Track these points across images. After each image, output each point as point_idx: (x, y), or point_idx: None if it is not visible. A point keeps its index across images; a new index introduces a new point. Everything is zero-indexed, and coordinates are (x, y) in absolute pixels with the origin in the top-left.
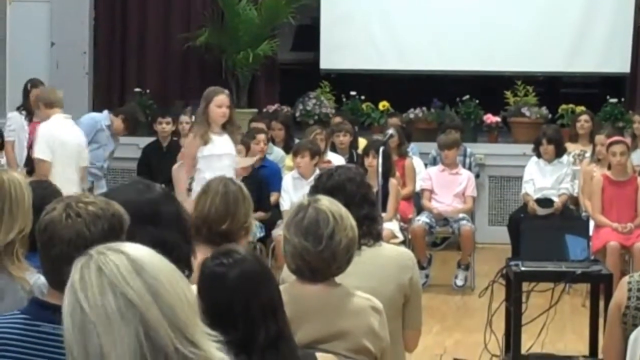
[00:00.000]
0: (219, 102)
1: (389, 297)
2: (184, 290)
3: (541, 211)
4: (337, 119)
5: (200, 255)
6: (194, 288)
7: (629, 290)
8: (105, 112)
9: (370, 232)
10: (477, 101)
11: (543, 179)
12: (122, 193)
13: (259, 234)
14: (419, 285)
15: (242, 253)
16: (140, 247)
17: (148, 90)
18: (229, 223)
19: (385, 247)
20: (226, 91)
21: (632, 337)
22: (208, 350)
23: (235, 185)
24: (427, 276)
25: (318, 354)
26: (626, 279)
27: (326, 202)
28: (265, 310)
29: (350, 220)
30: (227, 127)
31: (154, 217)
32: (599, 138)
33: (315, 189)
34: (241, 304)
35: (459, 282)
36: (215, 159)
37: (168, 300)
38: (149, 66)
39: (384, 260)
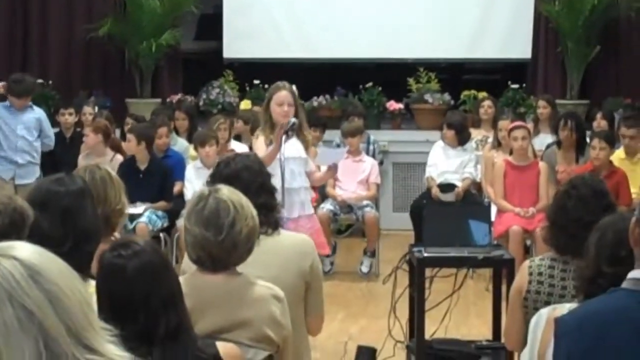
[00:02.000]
0: (280, 100)
1: (290, 285)
2: (81, 291)
3: (444, 197)
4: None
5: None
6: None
7: (530, 274)
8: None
9: (268, 221)
10: (380, 88)
11: (447, 161)
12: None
13: (163, 224)
14: (319, 270)
15: (141, 244)
16: (30, 248)
17: (51, 82)
18: (102, 207)
19: (283, 234)
20: (288, 86)
21: (533, 320)
22: (106, 354)
23: (101, 170)
24: (331, 263)
25: (218, 343)
26: (527, 263)
27: (226, 191)
28: (165, 302)
29: (250, 209)
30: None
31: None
32: (503, 123)
33: (213, 177)
34: (141, 296)
35: (364, 269)
36: (284, 163)
37: (66, 305)
38: (52, 57)
39: (284, 248)
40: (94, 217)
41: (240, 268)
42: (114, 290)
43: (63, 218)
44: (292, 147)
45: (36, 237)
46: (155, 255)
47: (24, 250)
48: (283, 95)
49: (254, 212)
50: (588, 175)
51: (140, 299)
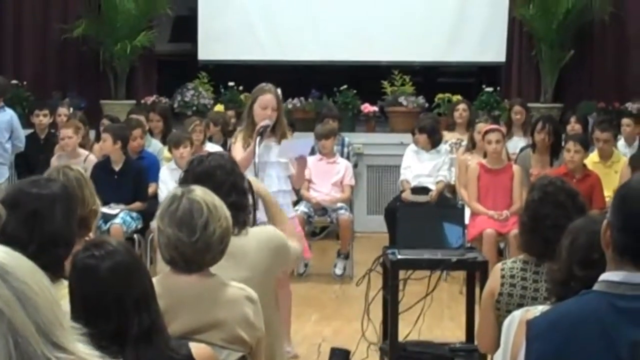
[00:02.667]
0: (264, 103)
1: (262, 285)
2: (50, 290)
3: (414, 198)
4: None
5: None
6: None
7: (502, 277)
8: None
9: (237, 221)
10: (355, 91)
11: (421, 165)
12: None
13: (137, 225)
14: (289, 258)
15: (114, 245)
16: None
17: (25, 82)
18: (79, 208)
19: (251, 232)
20: (273, 89)
21: (505, 322)
22: (76, 353)
23: (74, 171)
24: (306, 265)
25: (191, 344)
26: (499, 265)
27: (200, 192)
28: (138, 302)
29: (224, 210)
30: (276, 131)
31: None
32: (479, 126)
33: (186, 174)
34: (113, 296)
35: (338, 271)
36: (261, 166)
37: (35, 304)
38: (26, 58)
39: (253, 247)
40: (66, 221)
41: (213, 269)
42: (86, 290)
43: (30, 220)
44: (272, 151)
45: (2, 237)
46: (127, 255)
47: None
48: (268, 99)
49: (228, 213)
50: (557, 179)
51: (113, 299)
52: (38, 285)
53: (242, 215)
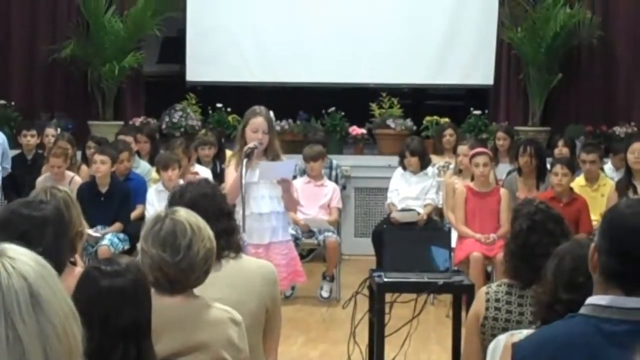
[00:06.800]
0: (255, 127)
1: (252, 309)
2: (75, 335)
3: (401, 217)
4: (202, 132)
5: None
6: None
7: (487, 300)
8: None
9: (230, 245)
10: (343, 113)
11: (408, 188)
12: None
13: (124, 246)
14: (279, 299)
15: (124, 267)
16: (36, 269)
17: (13, 102)
18: (69, 229)
19: (246, 259)
20: (264, 112)
21: (490, 347)
22: None
23: (61, 192)
24: (293, 288)
25: None
26: (484, 289)
27: (183, 213)
28: (125, 331)
29: (207, 230)
30: (268, 154)
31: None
32: (462, 149)
33: (171, 204)
34: (99, 316)
35: (324, 294)
36: (253, 187)
37: (55, 348)
38: (14, 78)
39: (247, 272)
40: (56, 244)
41: (201, 290)
42: (81, 299)
43: (18, 242)
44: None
45: None
46: (132, 283)
47: (32, 271)
48: (258, 122)
49: (211, 233)
50: (541, 204)
51: (98, 318)
52: (64, 328)
53: (234, 240)
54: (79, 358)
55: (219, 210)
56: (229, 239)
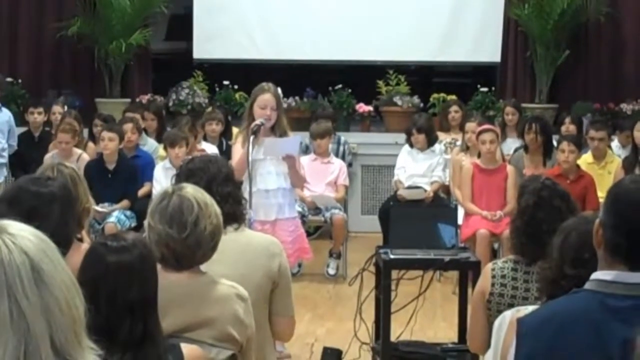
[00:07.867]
0: (263, 103)
1: (257, 284)
2: (78, 307)
3: (409, 194)
4: (209, 109)
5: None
6: None
7: (493, 277)
8: None
9: (234, 212)
10: (350, 90)
11: (415, 165)
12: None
13: (132, 224)
14: (287, 271)
15: (131, 242)
16: (37, 243)
17: (20, 80)
18: (76, 205)
19: (250, 233)
20: (272, 89)
21: (496, 323)
22: None
23: (68, 168)
24: (299, 265)
25: (182, 345)
26: (490, 265)
27: (190, 189)
28: (132, 307)
29: (214, 207)
30: (276, 130)
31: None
32: (470, 126)
33: (179, 173)
34: (106, 292)
35: (331, 271)
36: (259, 163)
37: (59, 321)
38: (21, 56)
39: (251, 246)
40: (64, 221)
41: (206, 265)
42: (88, 275)
43: (26, 218)
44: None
45: None
46: (138, 258)
47: (32, 246)
48: (266, 99)
49: (218, 210)
50: (548, 181)
51: (106, 294)
52: (67, 301)
53: (239, 209)
54: (82, 329)
55: (226, 175)
56: (234, 205)
